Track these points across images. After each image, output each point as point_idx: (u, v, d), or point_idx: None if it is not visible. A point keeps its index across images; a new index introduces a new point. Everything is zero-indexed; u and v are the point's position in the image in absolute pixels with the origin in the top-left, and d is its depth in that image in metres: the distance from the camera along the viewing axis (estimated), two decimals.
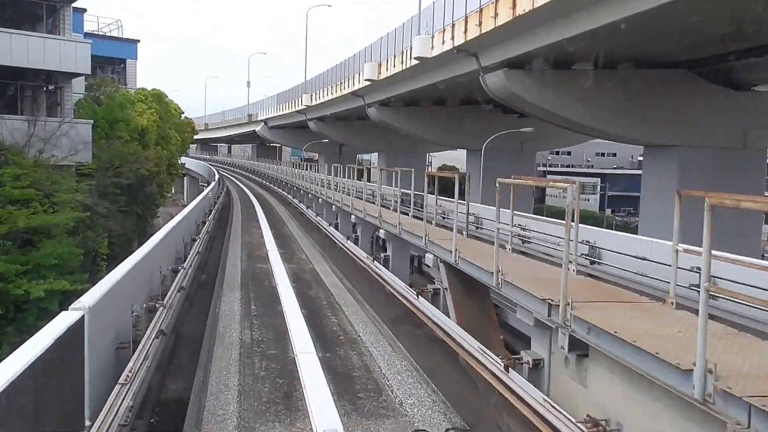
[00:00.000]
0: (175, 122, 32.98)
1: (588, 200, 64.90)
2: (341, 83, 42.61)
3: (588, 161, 76.28)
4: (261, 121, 71.97)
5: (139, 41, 33.21)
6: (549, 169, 69.95)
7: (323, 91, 47.89)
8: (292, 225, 25.46)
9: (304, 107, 53.90)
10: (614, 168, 76.15)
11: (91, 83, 26.31)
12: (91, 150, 20.16)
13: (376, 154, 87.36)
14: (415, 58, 27.43)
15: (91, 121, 20.96)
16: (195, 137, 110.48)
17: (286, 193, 37.14)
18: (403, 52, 30.31)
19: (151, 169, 22.86)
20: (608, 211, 64.19)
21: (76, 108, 22.39)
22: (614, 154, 77.43)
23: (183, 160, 43.56)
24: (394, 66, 31.68)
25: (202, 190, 36.45)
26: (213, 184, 28.39)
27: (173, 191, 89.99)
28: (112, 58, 32.19)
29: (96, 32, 31.67)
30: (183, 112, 36.03)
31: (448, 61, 26.23)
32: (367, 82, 35.86)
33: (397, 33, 31.32)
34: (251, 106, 76.29)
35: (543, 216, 22.54)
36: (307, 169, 36.28)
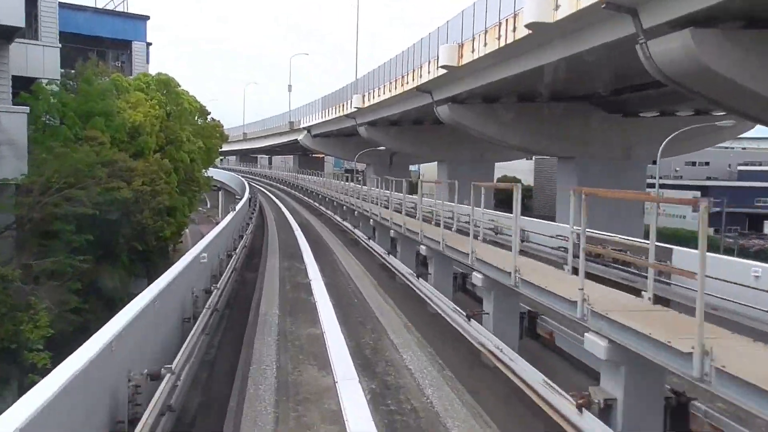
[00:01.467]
0: (193, 122, 25.41)
1: (684, 217, 55.12)
2: (403, 77, 34.64)
3: (676, 171, 66.24)
4: (303, 128, 64.88)
5: (148, 18, 25.79)
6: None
7: (378, 90, 40.05)
8: (392, 324, 10.82)
9: (354, 110, 46.23)
10: (706, 179, 65.92)
11: (79, 69, 19.15)
12: (27, 157, 12.53)
13: (432, 164, 79.76)
14: (526, 26, 19.17)
15: (26, 109, 13.27)
16: (234, 148, 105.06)
17: (343, 221, 25.76)
18: (500, 24, 22.08)
19: (141, 188, 15.01)
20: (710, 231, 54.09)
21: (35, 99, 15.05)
22: (707, 163, 67.21)
23: (212, 172, 36.39)
24: (485, 45, 23.46)
25: (239, 206, 29.48)
26: (231, 215, 16.60)
27: (208, 206, 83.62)
28: (113, 41, 24.89)
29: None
30: (209, 113, 28.65)
31: (583, 24, 17.88)
32: (443, 70, 27.75)
33: None
34: (293, 112, 69.27)
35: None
36: (352, 182, 29.01)
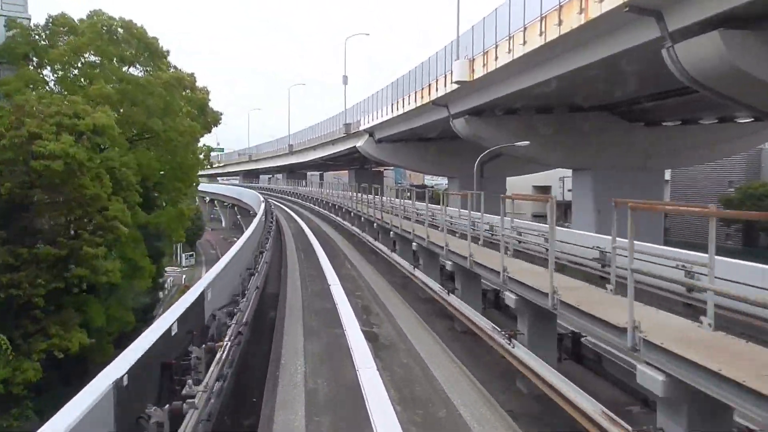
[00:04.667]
0: None
1: None
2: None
3: None
4: (364, 131, 48.15)
5: None
6: None
7: (509, 41, 22.46)
8: None
9: (451, 89, 28.93)
10: None
11: None
12: None
13: (520, 177, 61.86)
14: None
15: None
16: (280, 164, 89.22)
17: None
18: None
19: None
20: None
21: None
22: None
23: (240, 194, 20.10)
24: None
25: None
26: None
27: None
28: None
29: None
30: (166, 54, 12.15)
31: None
32: None
33: None
34: (349, 111, 52.40)
35: None
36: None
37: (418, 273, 12.63)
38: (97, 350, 13.17)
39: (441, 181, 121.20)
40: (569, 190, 77.46)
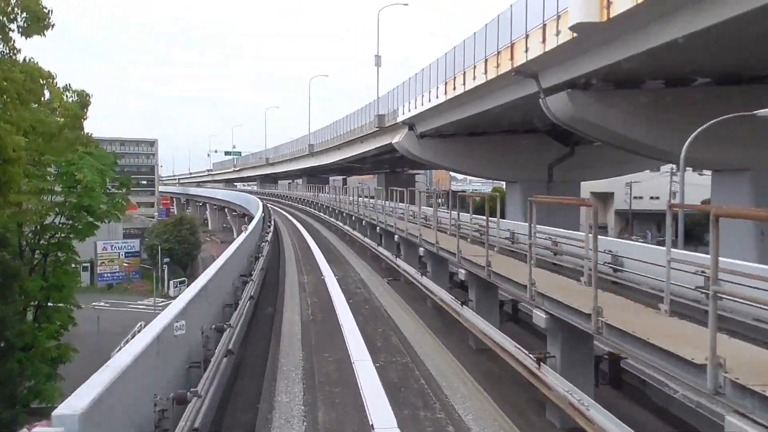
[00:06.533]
0: None
1: None
2: None
3: None
4: (402, 124, 38.20)
5: None
6: None
7: None
8: None
9: (554, 44, 18.64)
10: None
11: None
12: None
13: (600, 182, 51.61)
14: None
15: None
16: (299, 167, 79.80)
17: None
18: None
19: None
20: None
21: None
22: None
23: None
24: None
25: None
26: None
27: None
28: None
29: None
30: None
31: None
32: None
33: None
34: (383, 100, 42.28)
35: None
36: None
37: None
38: None
39: (467, 187, 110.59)
40: (636, 198, 66.56)
